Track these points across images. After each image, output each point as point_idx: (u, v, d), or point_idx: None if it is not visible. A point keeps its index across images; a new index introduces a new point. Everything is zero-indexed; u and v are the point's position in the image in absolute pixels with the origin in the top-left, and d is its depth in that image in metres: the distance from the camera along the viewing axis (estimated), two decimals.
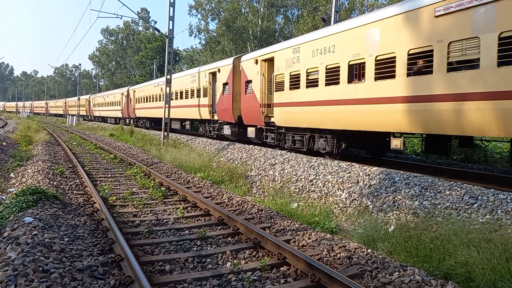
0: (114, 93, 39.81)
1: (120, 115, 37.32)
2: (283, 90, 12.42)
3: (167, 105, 19.16)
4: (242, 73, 15.20)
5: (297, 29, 36.26)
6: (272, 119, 13.31)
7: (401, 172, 8.19)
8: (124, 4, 19.54)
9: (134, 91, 32.28)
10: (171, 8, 18.11)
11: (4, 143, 16.90)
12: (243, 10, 41.10)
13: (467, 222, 5.56)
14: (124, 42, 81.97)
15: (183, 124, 22.77)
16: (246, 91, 14.84)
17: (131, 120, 34.49)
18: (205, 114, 18.68)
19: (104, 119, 45.66)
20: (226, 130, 16.49)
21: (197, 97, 19.53)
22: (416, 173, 8.42)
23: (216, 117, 17.84)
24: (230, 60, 16.55)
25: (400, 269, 4.33)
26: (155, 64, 49.50)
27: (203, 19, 45.47)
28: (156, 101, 26.02)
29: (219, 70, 17.12)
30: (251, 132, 14.93)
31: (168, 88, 19.30)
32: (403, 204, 6.88)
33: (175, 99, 22.45)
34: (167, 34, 18.83)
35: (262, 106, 13.68)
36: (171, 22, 18.39)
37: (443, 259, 4.64)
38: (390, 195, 7.31)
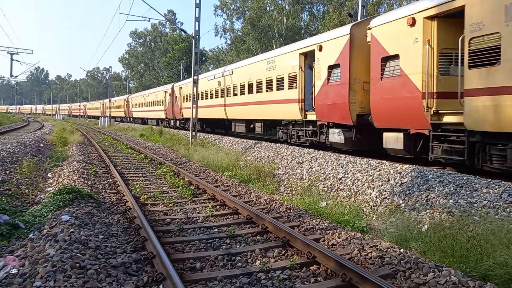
0: (156, 91, 34.89)
1: (163, 116, 32.26)
2: (497, 64, 6.90)
3: (194, 106, 19.45)
4: (373, 45, 10.00)
5: (323, 25, 35.83)
6: (450, 119, 8.26)
7: (434, 169, 7.92)
8: (151, 7, 20.00)
9: (181, 87, 27.54)
10: (197, 9, 18.33)
11: (42, 145, 17.70)
12: (268, 8, 41.03)
13: (506, 221, 5.31)
14: (152, 44, 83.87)
15: (251, 126, 17.90)
16: (382, 74, 9.68)
17: (177, 121, 29.18)
18: (293, 112, 13.73)
19: (144, 121, 40.41)
20: (335, 136, 11.48)
21: (277, 90, 14.68)
22: (449, 170, 8.10)
23: (311, 117, 12.91)
24: (344, 30, 11.18)
25: (435, 270, 4.19)
26: (182, 65, 50.29)
27: (228, 19, 45.80)
28: (212, 98, 21.99)
29: (320, 48, 11.99)
30: (394, 139, 9.55)
31: (195, 89, 19.55)
32: (437, 202, 6.66)
33: (240, 94, 18.12)
34: (193, 35, 19.08)
35: (428, 97, 8.47)
36: (197, 23, 18.63)
37: (481, 260, 4.46)
38: (423, 193, 7.10)
